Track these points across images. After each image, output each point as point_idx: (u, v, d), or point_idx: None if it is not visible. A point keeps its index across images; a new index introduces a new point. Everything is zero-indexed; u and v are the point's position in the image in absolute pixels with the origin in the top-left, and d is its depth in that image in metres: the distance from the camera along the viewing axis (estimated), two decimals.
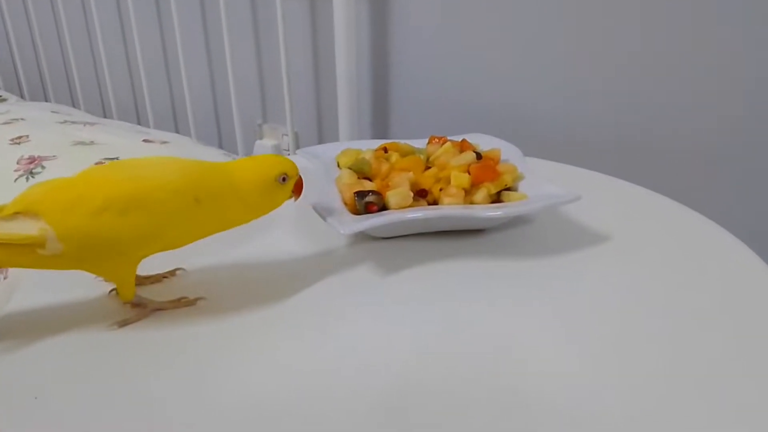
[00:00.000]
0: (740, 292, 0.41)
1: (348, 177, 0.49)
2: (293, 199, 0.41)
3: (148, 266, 0.41)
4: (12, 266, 0.37)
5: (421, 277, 0.43)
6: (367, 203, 0.45)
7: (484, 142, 0.57)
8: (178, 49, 1.01)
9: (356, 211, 0.45)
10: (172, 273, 0.43)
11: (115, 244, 0.35)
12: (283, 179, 0.40)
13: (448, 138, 0.55)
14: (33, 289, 0.42)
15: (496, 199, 0.48)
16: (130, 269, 0.38)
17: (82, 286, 0.41)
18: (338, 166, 0.53)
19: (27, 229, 0.34)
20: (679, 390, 0.32)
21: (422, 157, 0.52)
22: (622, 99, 0.71)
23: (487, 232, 0.48)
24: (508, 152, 0.54)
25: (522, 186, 0.49)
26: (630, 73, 0.70)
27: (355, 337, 0.37)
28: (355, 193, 0.45)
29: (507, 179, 0.48)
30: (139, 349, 0.36)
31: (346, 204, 0.46)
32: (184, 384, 0.34)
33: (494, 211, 0.44)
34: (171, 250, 0.39)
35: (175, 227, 0.37)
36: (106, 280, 0.41)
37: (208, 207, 0.37)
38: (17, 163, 0.71)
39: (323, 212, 0.44)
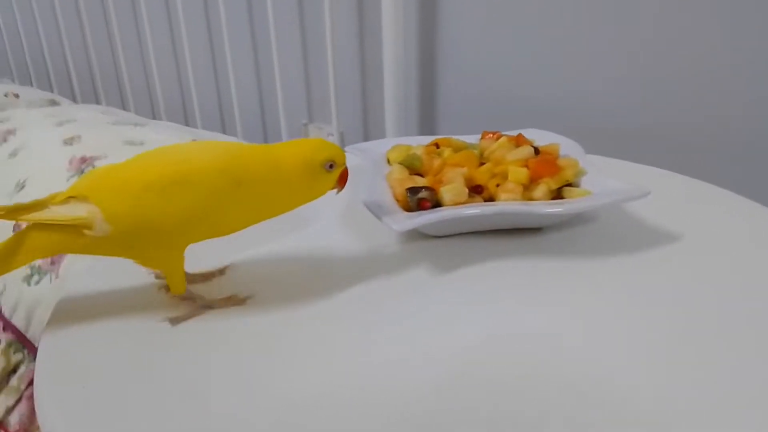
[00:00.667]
0: None
1: (399, 172, 0.47)
2: (336, 190, 0.39)
3: (198, 264, 0.40)
4: (64, 251, 0.37)
5: (476, 277, 0.40)
6: (419, 199, 0.43)
7: (540, 138, 0.54)
8: (225, 50, 1.02)
9: (408, 208, 0.43)
10: (222, 271, 0.43)
11: (158, 224, 0.35)
12: (330, 166, 0.38)
13: (502, 133, 0.53)
14: (85, 281, 0.43)
15: (557, 195, 0.45)
16: (177, 257, 0.38)
17: (134, 278, 0.41)
18: (388, 162, 0.51)
19: (76, 211, 0.35)
20: (758, 399, 0.29)
21: (475, 152, 0.50)
22: (689, 92, 0.67)
23: (546, 231, 0.46)
24: (567, 148, 0.52)
25: (584, 182, 0.46)
26: (698, 65, 0.66)
27: (406, 338, 0.35)
28: (407, 188, 0.44)
29: (568, 174, 0.45)
30: (188, 343, 0.36)
31: (397, 200, 0.44)
32: (235, 381, 0.33)
33: (555, 208, 0.42)
34: (217, 238, 0.38)
35: (216, 209, 0.36)
36: (156, 275, 0.41)
37: (249, 190, 0.36)
38: (69, 162, 0.72)
39: (374, 209, 0.42)
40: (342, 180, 0.39)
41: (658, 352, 0.33)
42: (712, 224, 0.46)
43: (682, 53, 0.66)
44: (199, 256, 0.39)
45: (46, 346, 0.37)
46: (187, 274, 0.40)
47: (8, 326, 0.64)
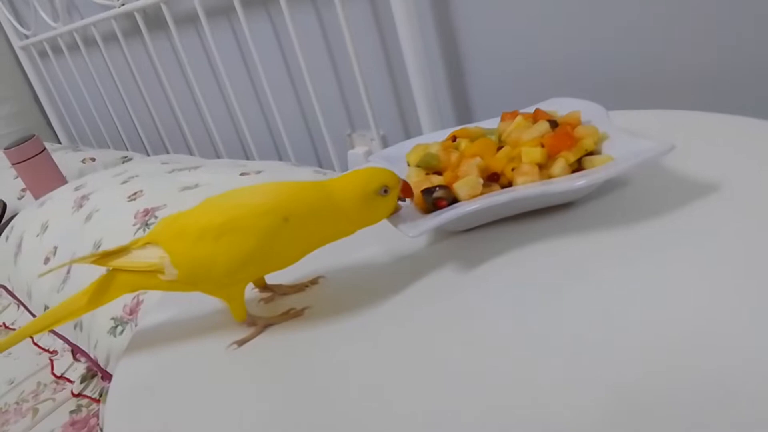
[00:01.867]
0: None
1: (416, 175, 0.47)
2: (408, 201, 0.42)
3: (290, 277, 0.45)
4: (146, 289, 0.43)
5: (512, 265, 0.40)
6: (435, 199, 0.43)
7: (562, 107, 0.52)
8: (265, 87, 1.06)
9: (427, 210, 0.43)
10: (315, 281, 0.46)
11: (213, 267, 0.39)
12: (385, 191, 0.40)
13: (520, 111, 0.51)
14: (158, 314, 0.48)
15: (578, 167, 0.43)
16: (237, 291, 0.41)
17: (204, 307, 0.45)
18: (408, 164, 0.51)
19: (151, 257, 0.40)
20: None
21: (494, 137, 0.49)
22: (716, 29, 0.62)
23: (577, 204, 0.44)
24: (589, 112, 0.49)
25: (606, 147, 0.44)
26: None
27: (461, 341, 0.35)
28: (422, 191, 0.44)
29: (587, 143, 0.43)
30: (251, 359, 0.39)
31: (416, 204, 0.44)
32: (297, 390, 0.35)
33: (575, 182, 0.40)
34: (280, 270, 0.41)
35: (267, 249, 0.38)
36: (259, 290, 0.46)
37: (298, 224, 0.38)
38: (134, 217, 0.78)
39: (392, 217, 0.43)
40: (406, 192, 0.41)
41: (734, 316, 0.31)
42: (756, 162, 0.42)
43: None
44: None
45: (120, 371, 0.42)
46: (279, 286, 0.45)
47: (106, 376, 0.70)
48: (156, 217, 0.76)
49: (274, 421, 0.33)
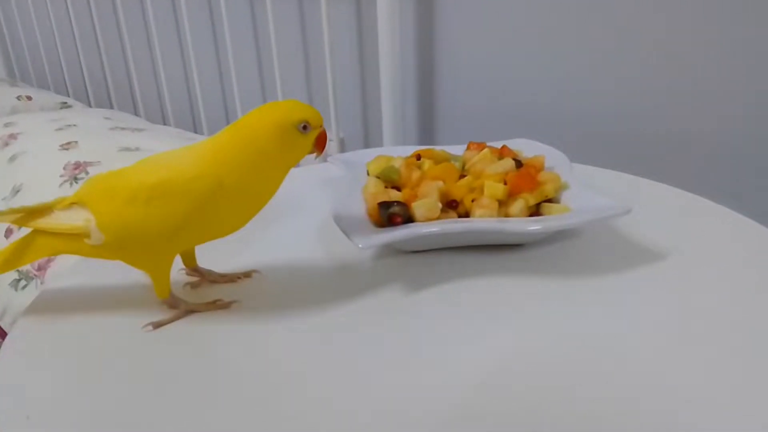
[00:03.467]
0: None
1: (374, 186, 0.46)
2: (315, 154, 0.38)
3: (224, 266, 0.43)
4: (68, 253, 0.38)
5: (448, 295, 0.39)
6: (390, 214, 0.41)
7: (528, 148, 0.52)
8: (229, 59, 1.02)
9: (380, 223, 0.42)
10: (248, 274, 0.43)
11: (144, 233, 0.36)
12: (304, 127, 0.36)
13: (488, 144, 0.51)
14: (70, 278, 0.44)
15: (536, 211, 0.43)
16: (163, 262, 0.38)
17: (124, 278, 0.42)
18: (368, 174, 0.50)
19: (76, 219, 0.36)
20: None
21: (458, 165, 0.49)
22: (690, 99, 0.65)
23: (526, 247, 0.44)
24: (553, 159, 0.50)
25: (566, 197, 0.44)
26: (693, 73, 0.63)
27: (373, 358, 0.34)
28: (378, 203, 0.42)
29: (548, 189, 0.44)
30: (166, 345, 0.37)
31: (370, 215, 0.43)
32: (206, 386, 0.33)
33: (531, 226, 0.40)
34: (221, 238, 0.38)
35: (201, 215, 0.36)
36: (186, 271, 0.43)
37: (235, 188, 0.35)
38: (63, 168, 0.72)
39: (343, 224, 0.41)
40: (320, 143, 0.38)
41: (644, 373, 0.31)
42: (698, 238, 0.44)
43: (676, 61, 0.64)
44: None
45: (17, 331, 0.38)
46: (210, 273, 0.42)
47: (1, 333, 0.65)
48: (87, 173, 0.71)
49: (158, 413, 0.31)
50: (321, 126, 0.37)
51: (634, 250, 0.43)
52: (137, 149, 0.77)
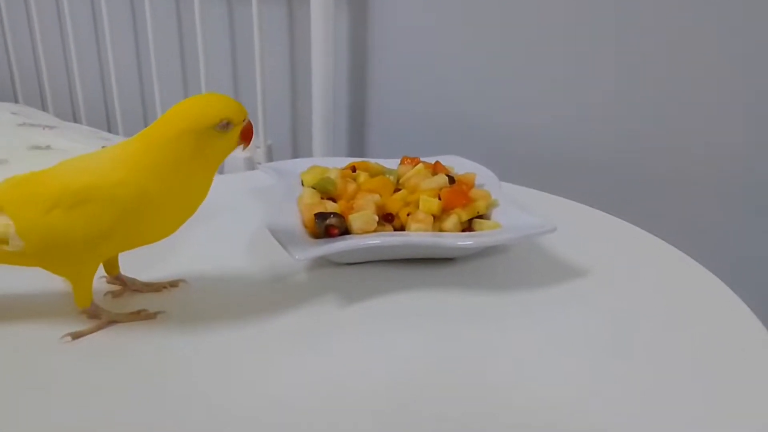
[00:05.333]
0: (715, 331, 0.38)
1: (310, 197, 0.45)
2: (242, 147, 0.36)
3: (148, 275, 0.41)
4: None
5: (382, 307, 0.39)
6: (327, 226, 0.41)
7: (459, 165, 0.54)
8: (151, 56, 0.98)
9: (316, 234, 0.42)
10: (174, 284, 0.41)
11: (68, 240, 0.34)
12: (225, 125, 0.34)
13: (422, 159, 0.52)
14: None
15: (468, 226, 0.45)
16: (87, 272, 0.36)
17: (45, 285, 0.39)
18: (302, 184, 0.49)
19: None
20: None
21: (392, 178, 0.49)
22: (609, 124, 0.69)
23: (457, 261, 0.45)
24: (483, 177, 0.52)
25: (496, 214, 0.46)
26: (619, 99, 0.68)
27: (302, 369, 0.34)
28: (315, 214, 0.42)
29: (480, 206, 0.45)
30: (85, 357, 0.35)
31: (306, 226, 0.43)
32: (126, 399, 0.31)
33: (464, 241, 0.41)
34: (145, 245, 0.37)
35: (128, 222, 0.34)
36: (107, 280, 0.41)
37: (160, 194, 0.34)
38: None
39: (279, 234, 0.40)
40: (246, 136, 0.36)
41: (557, 385, 0.33)
42: (616, 259, 0.47)
43: (608, 86, 0.68)
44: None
45: None
46: (133, 281, 0.40)
47: None
48: None
49: (75, 426, 0.30)
50: (245, 119, 0.35)
51: (555, 266, 0.45)
52: (48, 147, 0.73)
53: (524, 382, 0.33)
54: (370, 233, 0.42)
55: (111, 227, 0.34)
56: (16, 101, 1.36)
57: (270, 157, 0.95)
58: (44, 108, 1.31)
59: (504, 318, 0.39)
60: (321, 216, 0.42)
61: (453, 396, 0.32)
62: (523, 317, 0.39)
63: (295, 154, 0.95)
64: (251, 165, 0.92)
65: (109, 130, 1.21)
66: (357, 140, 0.88)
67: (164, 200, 0.35)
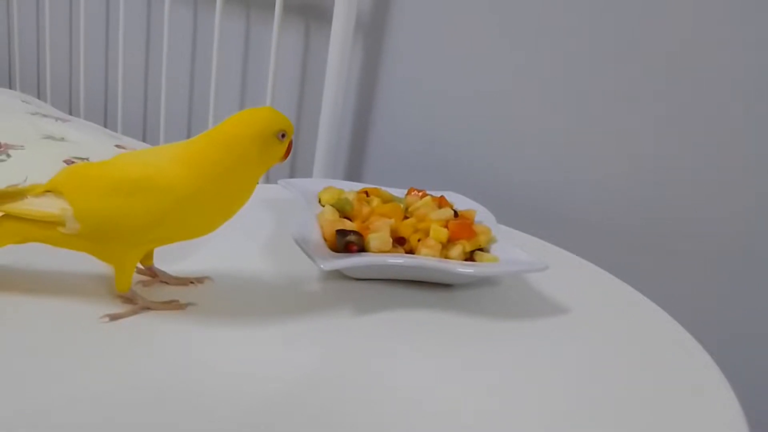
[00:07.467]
0: (675, 381, 0.43)
1: (330, 213, 0.50)
2: (281, 160, 0.41)
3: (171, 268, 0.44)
4: (37, 241, 0.39)
5: (389, 318, 0.44)
6: (347, 242, 0.46)
7: (459, 202, 0.59)
8: (162, 65, 1.01)
9: (335, 249, 0.46)
10: (200, 280, 0.44)
11: (122, 225, 0.37)
12: (282, 135, 0.39)
13: (428, 192, 0.57)
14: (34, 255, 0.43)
15: (469, 257, 0.50)
16: (132, 258, 0.39)
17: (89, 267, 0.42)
18: (320, 202, 0.54)
19: (51, 207, 0.37)
20: None
21: (401, 206, 0.54)
22: (612, 187, 0.74)
23: (454, 288, 0.50)
24: (481, 215, 0.57)
25: (494, 248, 0.51)
26: (623, 163, 0.74)
27: (308, 368, 0.37)
28: (337, 230, 0.46)
29: (482, 240, 0.50)
30: (119, 339, 0.38)
31: (325, 240, 0.47)
32: (149, 385, 0.33)
33: (468, 269, 0.46)
34: (191, 239, 0.40)
35: (183, 213, 0.38)
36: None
37: (213, 191, 0.38)
38: None
39: (304, 245, 0.45)
40: (288, 151, 0.41)
41: (529, 416, 0.37)
42: (595, 304, 0.52)
43: (610, 150, 0.74)
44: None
45: None
46: (163, 273, 0.44)
47: None
48: (9, 155, 0.68)
49: (109, 409, 0.32)
50: (292, 134, 0.41)
51: (541, 303, 0.50)
52: (62, 139, 0.75)
53: (490, 415, 0.38)
54: (386, 253, 0.46)
55: (163, 217, 0.37)
56: (10, 87, 1.37)
57: (266, 176, 0.99)
58: (39, 97, 1.32)
59: (489, 346, 0.43)
60: (342, 233, 0.46)
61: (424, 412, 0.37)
62: (505, 347, 0.43)
63: (293, 174, 0.99)
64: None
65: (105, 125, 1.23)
66: (355, 168, 0.93)
67: (216, 198, 0.38)
